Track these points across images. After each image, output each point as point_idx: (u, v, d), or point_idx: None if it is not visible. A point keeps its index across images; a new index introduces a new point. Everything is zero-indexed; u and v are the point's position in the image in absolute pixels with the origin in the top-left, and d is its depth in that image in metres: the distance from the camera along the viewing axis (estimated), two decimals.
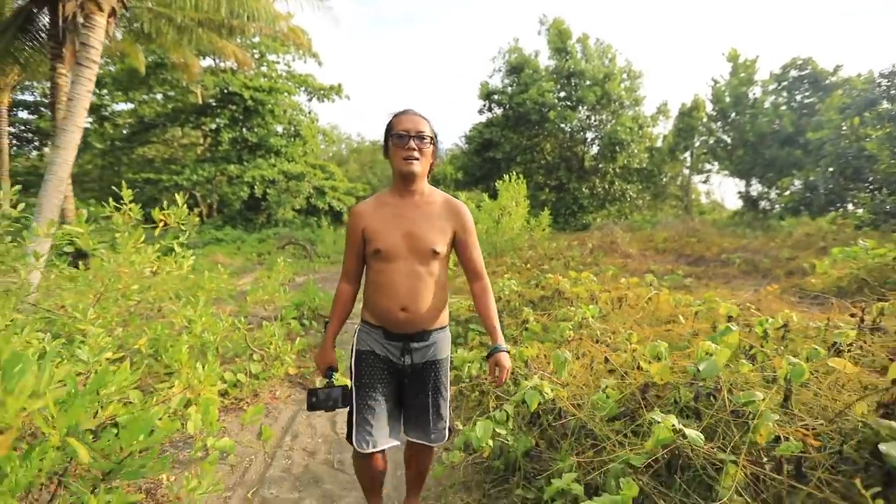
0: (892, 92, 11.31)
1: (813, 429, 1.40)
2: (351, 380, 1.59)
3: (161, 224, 2.93)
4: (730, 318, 2.41)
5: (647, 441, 1.48)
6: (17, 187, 3.58)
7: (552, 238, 11.09)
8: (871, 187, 11.24)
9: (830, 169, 12.15)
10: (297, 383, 3.38)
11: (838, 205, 11.69)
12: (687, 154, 21.78)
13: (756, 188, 17.95)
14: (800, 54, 18.84)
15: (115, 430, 1.53)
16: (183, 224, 3.21)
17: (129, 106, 22.39)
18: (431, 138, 1.50)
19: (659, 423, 1.41)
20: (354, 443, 1.51)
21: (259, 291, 4.01)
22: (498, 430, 1.79)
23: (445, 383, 1.63)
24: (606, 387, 1.87)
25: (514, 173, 10.35)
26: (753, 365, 1.79)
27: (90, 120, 21.37)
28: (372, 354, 1.55)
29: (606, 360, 2.13)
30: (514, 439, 1.82)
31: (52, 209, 6.51)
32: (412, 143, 1.45)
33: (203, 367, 2.08)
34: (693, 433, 1.38)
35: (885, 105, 11.19)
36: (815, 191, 11.98)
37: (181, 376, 2.06)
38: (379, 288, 1.51)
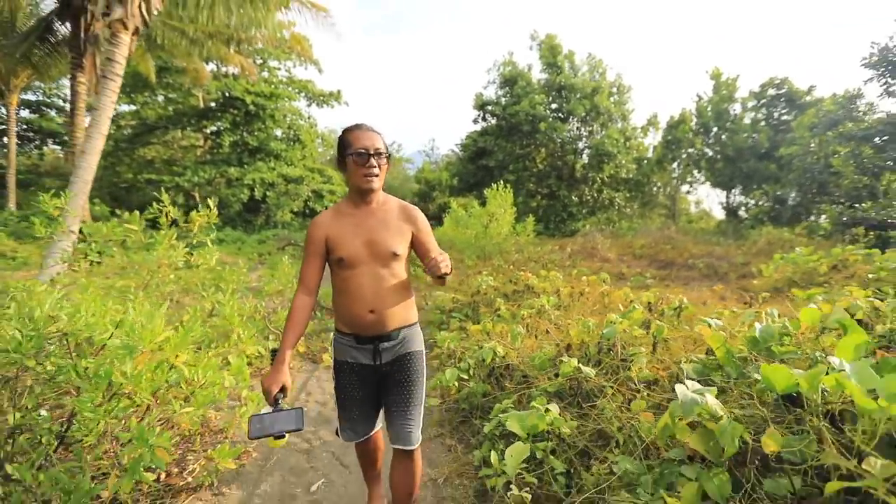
0: (855, 113, 12.18)
1: (667, 366, 2.09)
2: (335, 386, 1.72)
3: (197, 223, 3.61)
4: (649, 304, 3.10)
5: (560, 378, 2.16)
6: (69, 191, 4.23)
7: (538, 243, 11.82)
8: (835, 200, 12.09)
9: (803, 183, 13.02)
10: (307, 358, 4.04)
11: (806, 216, 12.54)
12: (675, 164, 22.71)
13: (737, 199, 18.82)
14: (777, 74, 19.77)
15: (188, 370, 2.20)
16: (212, 223, 3.88)
17: (132, 107, 22.87)
18: (387, 154, 1.58)
19: (565, 362, 2.10)
20: (342, 438, 1.73)
21: (273, 283, 4.68)
22: (461, 375, 2.47)
23: (418, 379, 1.66)
24: (542, 349, 2.55)
25: (505, 181, 11.11)
26: (647, 331, 2.48)
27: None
28: (346, 363, 1.65)
29: (548, 331, 2.82)
30: (474, 384, 2.50)
31: (78, 209, 7.12)
32: (372, 161, 1.52)
33: (243, 333, 2.74)
34: (587, 369, 2.07)
35: (850, 125, 12.05)
36: (784, 203, 12.83)
37: (231, 337, 2.72)
38: (345, 294, 1.59)
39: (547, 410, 1.88)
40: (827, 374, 1.13)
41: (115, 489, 1.62)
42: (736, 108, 18.16)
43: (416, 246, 1.68)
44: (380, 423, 1.78)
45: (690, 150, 18.86)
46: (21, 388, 1.84)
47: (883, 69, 11.03)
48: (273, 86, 22.53)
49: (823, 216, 11.70)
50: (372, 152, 1.52)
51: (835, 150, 11.91)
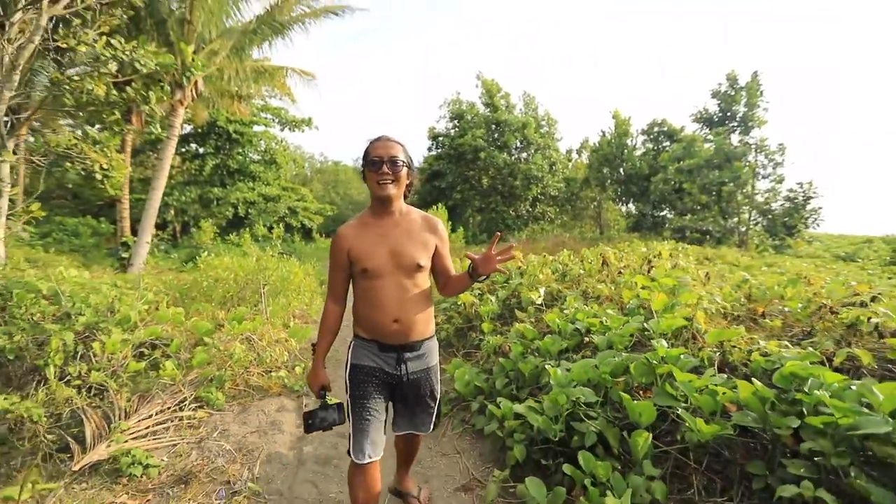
0: (692, 150, 17.21)
1: None
2: (346, 392, 1.71)
3: (278, 237, 7.43)
4: None
5: None
6: (145, 214, 8.07)
7: (468, 248, 16.03)
8: (680, 213, 17.05)
9: (656, 201, 17.96)
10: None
11: (661, 225, 17.48)
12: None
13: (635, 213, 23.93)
14: (658, 116, 25.29)
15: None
16: (276, 237, 7.73)
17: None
18: (405, 162, 1.62)
19: None
20: (353, 454, 1.63)
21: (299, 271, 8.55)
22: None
23: (437, 386, 1.77)
24: None
25: (454, 200, 15.05)
26: None
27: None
28: (367, 367, 1.67)
29: None
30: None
31: (151, 228, 10.66)
32: (385, 168, 1.57)
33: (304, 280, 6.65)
34: None
35: (687, 161, 17.10)
36: (645, 216, 17.77)
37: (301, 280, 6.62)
38: (369, 303, 1.64)
39: None
40: None
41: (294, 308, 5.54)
42: (630, 142, 23.32)
43: (434, 256, 1.73)
44: (382, 447, 1.70)
45: (598, 174, 23.79)
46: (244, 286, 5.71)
47: (702, 124, 16.10)
48: (252, 114, 25.55)
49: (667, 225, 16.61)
50: (385, 160, 1.58)
51: (678, 179, 16.89)
